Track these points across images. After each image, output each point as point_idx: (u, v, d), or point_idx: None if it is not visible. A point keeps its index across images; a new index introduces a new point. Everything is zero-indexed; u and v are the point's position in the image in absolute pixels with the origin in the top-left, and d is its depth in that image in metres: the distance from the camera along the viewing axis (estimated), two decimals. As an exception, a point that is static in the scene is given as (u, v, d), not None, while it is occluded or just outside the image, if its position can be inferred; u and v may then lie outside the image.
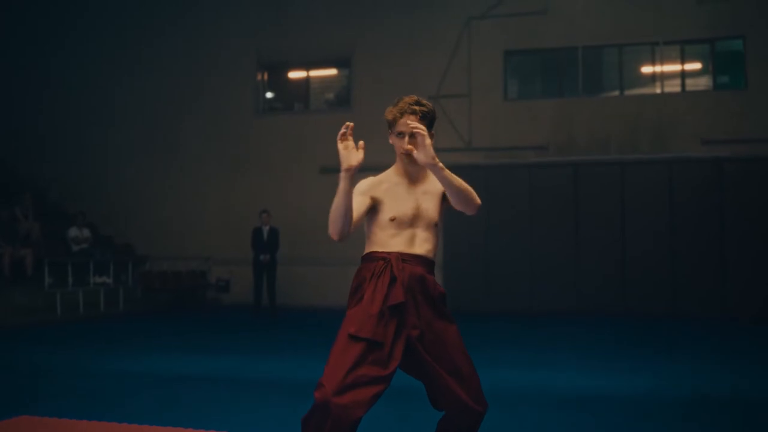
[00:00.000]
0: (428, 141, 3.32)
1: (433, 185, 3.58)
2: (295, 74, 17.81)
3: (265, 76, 17.82)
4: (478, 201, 3.52)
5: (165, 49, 17.80)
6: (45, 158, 18.27)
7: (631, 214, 14.82)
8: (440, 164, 3.34)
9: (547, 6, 15.49)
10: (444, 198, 3.58)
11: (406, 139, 3.49)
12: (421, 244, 3.51)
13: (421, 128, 3.33)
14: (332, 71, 17.65)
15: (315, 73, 17.61)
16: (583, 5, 15.41)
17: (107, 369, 7.95)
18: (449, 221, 15.63)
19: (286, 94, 18.16)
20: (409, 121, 3.37)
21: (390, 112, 3.56)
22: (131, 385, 7.02)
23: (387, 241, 3.52)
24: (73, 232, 15.25)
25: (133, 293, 15.57)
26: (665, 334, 11.88)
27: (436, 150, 3.53)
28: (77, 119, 18.19)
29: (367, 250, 3.55)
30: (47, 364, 8.30)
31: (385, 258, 3.47)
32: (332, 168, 15.82)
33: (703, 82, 15.53)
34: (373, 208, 3.54)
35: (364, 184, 3.56)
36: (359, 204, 3.48)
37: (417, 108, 3.52)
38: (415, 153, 3.37)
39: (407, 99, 3.56)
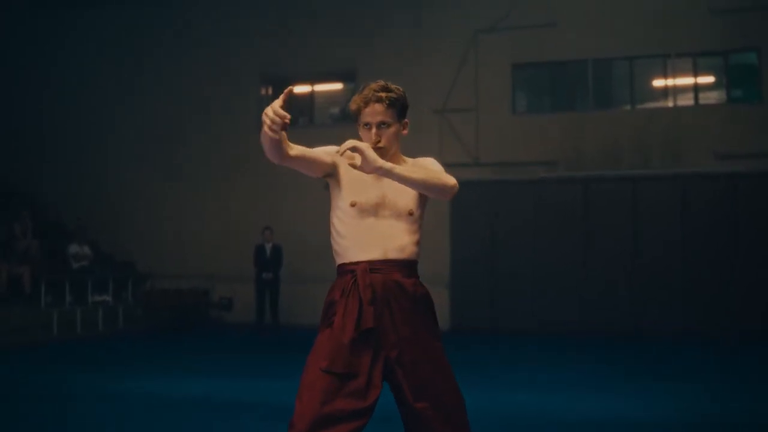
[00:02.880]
0: (368, 153, 2.89)
1: (407, 165, 3.18)
2: (299, 88, 17.55)
3: (269, 91, 17.56)
4: (451, 183, 3.08)
5: (166, 64, 17.56)
6: (44, 173, 18.01)
7: (643, 230, 14.45)
8: (387, 165, 2.93)
9: (556, 18, 15.20)
10: None
11: (374, 130, 3.12)
12: (395, 237, 3.09)
13: (359, 145, 2.89)
14: (337, 85, 17.39)
15: (320, 87, 17.35)
16: (593, 17, 15.11)
17: (99, 391, 7.62)
18: (454, 238, 15.30)
19: (291, 108, 17.80)
20: (349, 146, 2.88)
21: (354, 102, 3.19)
22: (124, 409, 6.70)
23: (351, 235, 3.13)
24: (73, 248, 14.99)
25: (133, 311, 15.26)
26: (678, 354, 11.54)
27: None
28: (77, 134, 17.94)
29: (338, 260, 3.22)
30: (34, 386, 7.98)
31: (353, 271, 3.10)
32: (337, 184, 15.52)
33: (717, 96, 15.20)
34: (335, 185, 3.19)
35: (335, 149, 3.15)
36: (320, 152, 3.15)
37: (383, 95, 3.13)
38: (358, 166, 2.95)
39: (373, 85, 3.17)
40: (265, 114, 2.88)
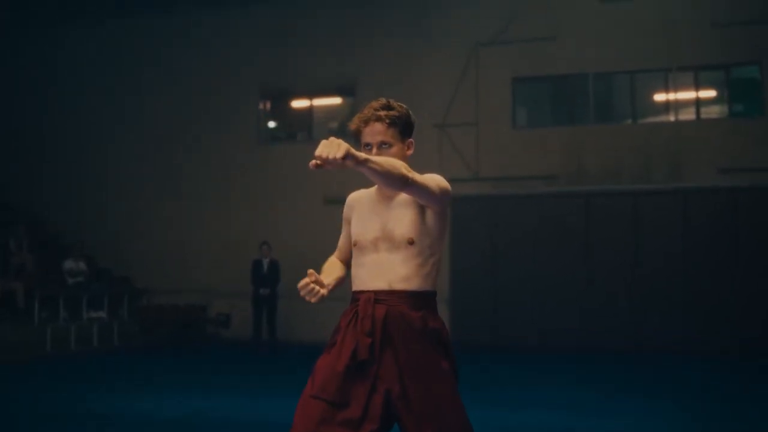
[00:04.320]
0: (351, 152, 2.55)
1: (404, 195, 2.96)
2: (298, 103, 17.44)
3: (268, 106, 17.45)
4: (405, 172, 2.72)
5: (165, 78, 17.45)
6: (42, 189, 17.88)
7: (644, 244, 14.29)
8: (362, 157, 2.59)
9: (557, 31, 15.10)
10: (423, 206, 2.95)
11: (374, 151, 2.95)
12: (396, 269, 2.92)
13: (323, 156, 2.53)
14: (336, 100, 17.27)
15: (318, 101, 17.22)
16: (594, 31, 15.02)
17: (88, 410, 7.43)
18: (454, 251, 15.12)
19: (289, 123, 17.79)
20: (341, 153, 2.53)
21: (354, 122, 3.02)
22: (113, 429, 6.52)
23: (357, 273, 3.03)
24: (68, 264, 14.82)
25: (128, 328, 15.06)
26: (678, 368, 11.36)
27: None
28: (76, 151, 17.81)
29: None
30: (23, 404, 7.79)
31: (359, 300, 2.97)
32: (336, 198, 15.30)
33: (718, 110, 15.08)
34: None
35: (346, 207, 3.15)
36: (345, 236, 3.16)
37: (383, 114, 2.96)
38: (329, 167, 2.58)
39: (374, 103, 3.01)
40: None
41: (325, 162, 2.53)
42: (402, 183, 2.73)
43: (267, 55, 16.91)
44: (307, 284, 2.91)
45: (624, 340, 13.91)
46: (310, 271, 2.94)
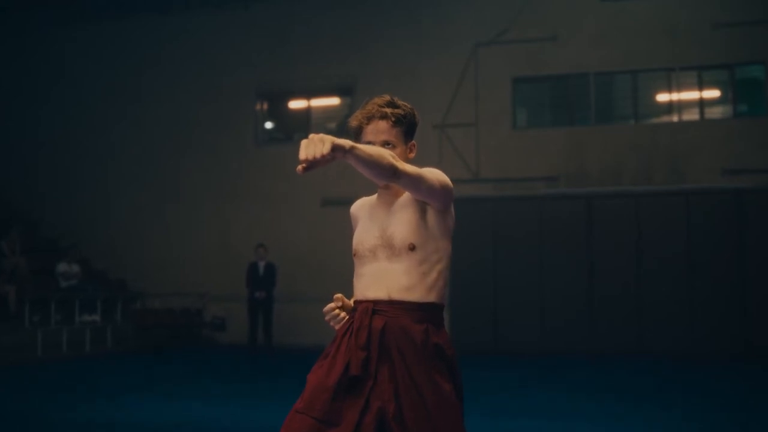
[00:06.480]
0: (337, 142, 2.30)
1: (406, 196, 2.76)
2: (295, 103, 17.24)
3: (265, 106, 17.25)
4: (389, 162, 2.46)
5: (163, 79, 17.27)
6: (39, 191, 17.69)
7: (647, 247, 14.10)
8: (348, 144, 2.34)
9: (557, 31, 14.91)
10: (424, 206, 2.72)
11: None
12: (397, 278, 2.70)
13: (309, 157, 2.27)
14: (334, 100, 17.06)
15: (316, 102, 17.02)
16: (595, 30, 14.83)
17: (75, 416, 7.23)
18: (454, 254, 14.86)
19: (287, 124, 17.59)
20: (326, 149, 2.27)
21: (355, 118, 2.77)
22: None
23: (357, 283, 2.81)
24: (62, 267, 14.62)
25: (122, 331, 14.84)
26: (685, 377, 11.15)
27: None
28: (74, 152, 17.62)
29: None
30: (8, 410, 7.58)
31: (357, 309, 2.76)
32: (334, 200, 15.16)
33: (722, 110, 14.87)
34: None
35: (352, 219, 2.94)
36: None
37: (389, 111, 2.73)
38: (319, 166, 2.34)
39: (377, 100, 2.78)
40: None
41: (313, 163, 2.30)
42: (390, 172, 2.49)
43: (264, 55, 16.72)
44: (332, 309, 2.83)
45: (627, 343, 13.72)
46: (337, 295, 2.82)
